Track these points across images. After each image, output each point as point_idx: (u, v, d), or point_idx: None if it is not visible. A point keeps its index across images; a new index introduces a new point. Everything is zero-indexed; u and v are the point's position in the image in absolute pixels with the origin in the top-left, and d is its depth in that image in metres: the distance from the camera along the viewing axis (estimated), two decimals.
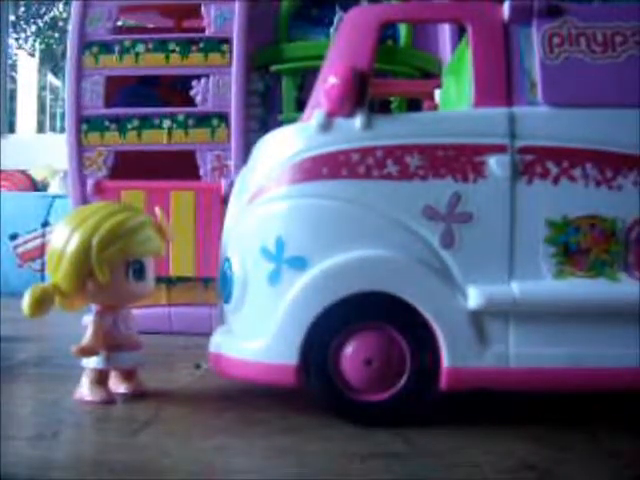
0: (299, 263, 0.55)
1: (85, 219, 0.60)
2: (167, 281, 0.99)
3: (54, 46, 3.18)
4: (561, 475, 0.45)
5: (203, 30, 1.01)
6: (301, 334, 0.54)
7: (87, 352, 0.61)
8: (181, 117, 0.99)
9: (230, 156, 0.98)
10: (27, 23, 3.15)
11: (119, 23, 1.07)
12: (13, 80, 2.75)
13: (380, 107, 1.02)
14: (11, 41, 2.73)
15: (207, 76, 0.99)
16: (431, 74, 1.03)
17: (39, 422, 0.57)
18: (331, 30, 1.03)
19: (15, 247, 1.44)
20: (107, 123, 1.00)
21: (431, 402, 0.55)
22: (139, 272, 0.62)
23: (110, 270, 0.59)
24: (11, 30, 2.63)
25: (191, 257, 0.97)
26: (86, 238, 0.58)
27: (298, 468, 0.45)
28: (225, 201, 0.86)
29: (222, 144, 0.98)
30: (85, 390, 0.61)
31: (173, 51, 1.00)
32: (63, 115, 1.13)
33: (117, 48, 1.00)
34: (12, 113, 2.60)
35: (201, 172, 0.98)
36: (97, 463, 0.46)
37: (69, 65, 1.01)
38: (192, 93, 0.99)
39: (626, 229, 0.54)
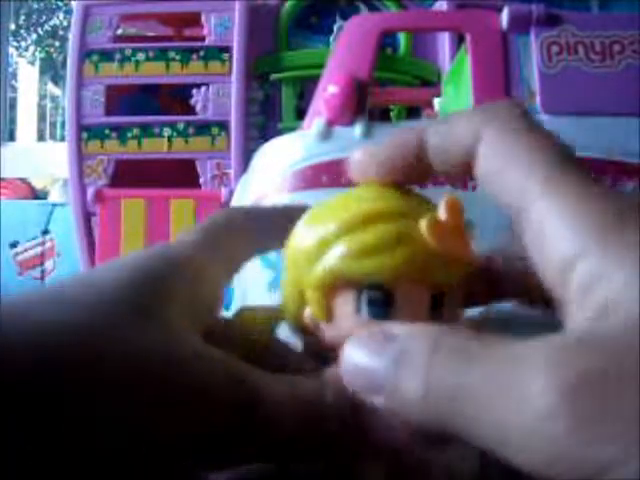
0: None
1: None
2: None
3: (54, 54, 3.19)
4: None
5: (203, 39, 1.01)
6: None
7: None
8: (181, 125, 0.99)
9: (230, 164, 0.98)
10: (27, 31, 3.16)
11: (119, 32, 1.07)
12: (13, 88, 2.76)
13: (380, 115, 1.02)
14: (11, 49, 2.74)
15: (207, 84, 0.99)
16: (430, 82, 1.03)
17: None
18: (331, 39, 1.03)
19: (15, 255, 1.44)
20: (107, 131, 1.00)
21: None
22: None
23: None
24: (11, 38, 2.64)
25: None
26: None
27: (298, 469, 0.45)
28: None
29: (222, 152, 0.98)
30: None
31: (173, 59, 1.00)
32: (63, 123, 1.13)
33: (117, 56, 1.01)
34: (12, 121, 2.60)
35: (201, 180, 0.98)
36: None
37: (69, 73, 1.01)
38: (192, 101, 0.99)
39: None
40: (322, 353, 0.27)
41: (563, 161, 0.20)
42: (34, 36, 3.17)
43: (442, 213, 0.24)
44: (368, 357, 0.20)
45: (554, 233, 0.19)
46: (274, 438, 0.21)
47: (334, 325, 0.25)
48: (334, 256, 0.24)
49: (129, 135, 1.00)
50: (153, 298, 0.21)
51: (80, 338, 0.18)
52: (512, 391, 0.17)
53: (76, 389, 0.17)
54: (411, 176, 0.24)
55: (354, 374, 0.20)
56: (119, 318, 0.19)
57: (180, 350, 0.20)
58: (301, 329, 0.27)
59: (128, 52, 1.01)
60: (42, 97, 2.98)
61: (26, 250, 1.43)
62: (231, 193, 0.82)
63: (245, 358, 0.22)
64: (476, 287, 0.25)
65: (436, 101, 0.83)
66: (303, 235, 0.25)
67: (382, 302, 0.24)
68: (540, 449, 0.16)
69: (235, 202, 0.65)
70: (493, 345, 0.18)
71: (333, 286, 0.24)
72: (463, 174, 0.23)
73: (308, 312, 0.25)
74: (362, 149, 0.25)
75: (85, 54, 1.01)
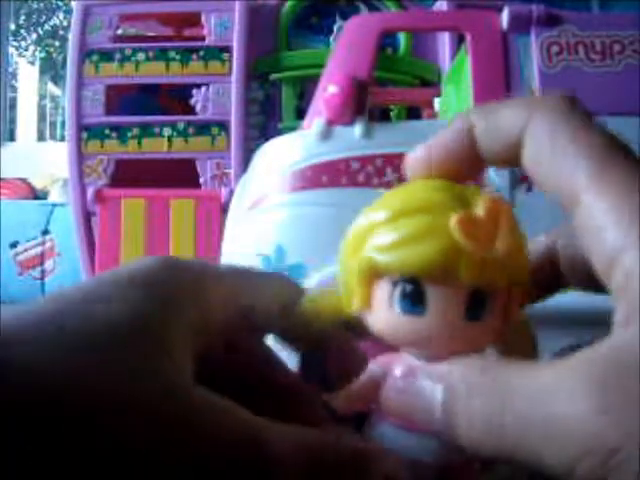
0: (299, 270, 0.55)
1: None
2: None
3: (54, 54, 3.19)
4: None
5: (203, 39, 1.01)
6: None
7: None
8: (181, 125, 0.99)
9: (230, 164, 0.98)
10: (27, 31, 3.16)
11: (119, 32, 1.07)
12: (13, 88, 2.76)
13: (380, 115, 1.02)
14: (11, 49, 2.74)
15: (207, 84, 0.99)
16: (430, 82, 1.03)
17: None
18: (331, 39, 1.03)
19: (15, 255, 1.44)
20: (107, 131, 1.00)
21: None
22: None
23: None
24: (11, 38, 2.64)
25: None
26: None
27: None
28: (225, 209, 0.86)
29: (222, 152, 0.98)
30: None
31: (173, 59, 1.00)
32: (63, 123, 1.13)
33: (117, 56, 1.01)
34: (12, 121, 2.60)
35: (201, 180, 0.98)
36: None
37: (69, 73, 1.01)
38: (192, 101, 0.99)
39: None
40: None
41: (609, 153, 0.20)
42: (34, 36, 3.17)
43: (479, 209, 0.23)
44: (419, 386, 0.22)
45: (599, 228, 0.19)
46: None
47: (373, 315, 0.25)
48: (371, 245, 0.24)
49: (129, 135, 1.00)
50: (154, 341, 0.20)
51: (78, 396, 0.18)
52: (547, 423, 0.18)
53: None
54: (463, 170, 0.24)
55: (408, 401, 0.22)
56: (116, 374, 0.19)
57: (187, 404, 0.19)
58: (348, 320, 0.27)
59: (128, 52, 1.01)
60: (42, 97, 2.98)
61: (26, 250, 1.43)
62: (231, 193, 0.82)
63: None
64: (539, 278, 0.25)
65: (436, 101, 0.83)
66: (354, 224, 0.26)
67: (412, 297, 0.24)
68: (575, 444, 0.17)
69: (235, 202, 0.65)
70: (522, 380, 0.19)
71: (371, 275, 0.25)
72: (511, 164, 0.23)
73: (354, 301, 0.26)
74: (415, 149, 0.25)
75: (85, 54, 1.01)
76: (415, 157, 0.25)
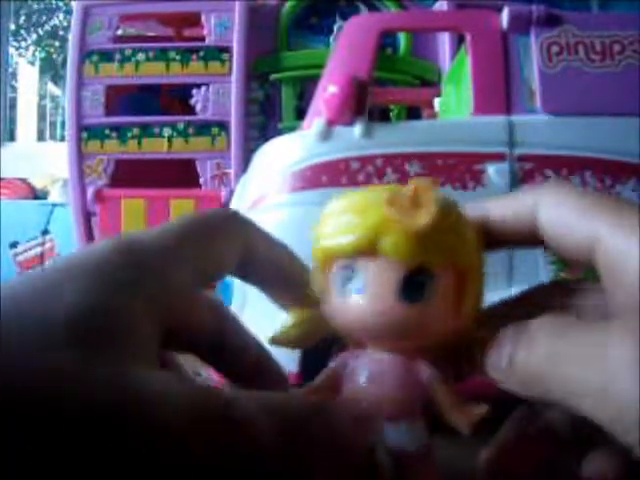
0: None
1: None
2: None
3: (54, 55, 3.19)
4: None
5: (203, 39, 1.01)
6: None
7: None
8: (181, 125, 0.99)
9: (230, 164, 0.98)
10: (27, 32, 3.16)
11: (119, 32, 1.07)
12: (13, 88, 2.76)
13: (380, 115, 1.02)
14: (11, 50, 2.74)
15: (207, 84, 0.99)
16: (430, 82, 1.03)
17: None
18: (331, 39, 1.03)
19: (15, 255, 1.44)
20: (107, 131, 1.00)
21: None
22: None
23: None
24: (11, 39, 2.64)
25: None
26: None
27: None
28: None
29: (222, 152, 0.98)
30: None
31: (173, 60, 1.00)
32: (63, 123, 1.13)
33: (117, 57, 1.01)
34: (12, 121, 2.60)
35: (201, 180, 0.98)
36: None
37: (69, 73, 1.01)
38: (192, 101, 0.99)
39: None
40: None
41: (622, 207, 0.23)
42: (34, 36, 3.17)
43: (407, 189, 0.24)
44: (502, 343, 0.24)
45: (621, 268, 0.22)
46: (257, 453, 0.21)
47: (328, 304, 0.26)
48: (319, 235, 0.26)
49: (129, 135, 1.00)
50: (106, 328, 0.20)
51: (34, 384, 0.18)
52: (594, 359, 0.21)
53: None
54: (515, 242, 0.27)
55: (491, 359, 0.25)
56: (68, 364, 0.19)
57: (139, 390, 0.19)
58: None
59: (128, 52, 1.01)
60: (42, 97, 2.98)
61: (26, 250, 1.43)
62: (231, 193, 0.82)
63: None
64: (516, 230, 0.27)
65: (436, 101, 0.83)
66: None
67: (349, 279, 0.25)
68: (613, 402, 0.20)
69: (235, 202, 0.65)
70: (582, 325, 0.22)
71: (323, 264, 0.26)
72: (527, 241, 0.26)
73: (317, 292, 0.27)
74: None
75: (85, 54, 1.01)
76: None
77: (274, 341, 0.30)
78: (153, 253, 0.24)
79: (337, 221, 0.26)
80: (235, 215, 0.29)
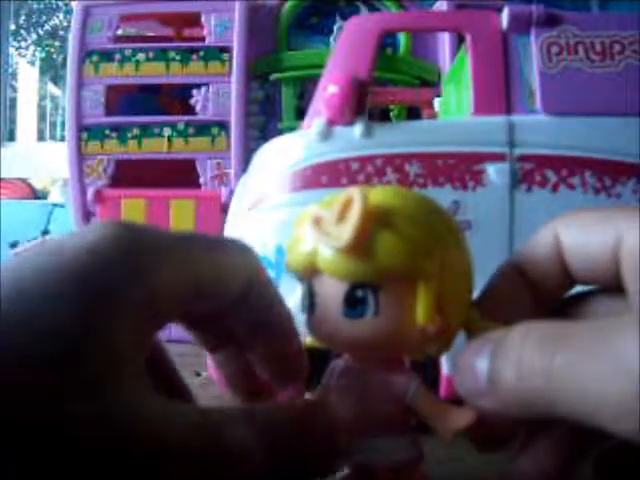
0: None
1: None
2: None
3: (54, 55, 3.19)
4: None
5: (203, 39, 1.01)
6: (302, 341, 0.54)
7: None
8: (181, 126, 0.99)
9: (230, 164, 0.98)
10: (27, 32, 3.16)
11: (119, 32, 1.07)
12: (13, 89, 2.76)
13: (380, 115, 1.02)
14: (11, 50, 2.74)
15: (207, 84, 0.99)
16: (430, 82, 1.03)
17: None
18: (331, 39, 1.03)
19: (15, 255, 1.44)
20: (107, 131, 1.00)
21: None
22: None
23: None
24: (11, 39, 2.64)
25: None
26: None
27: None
28: (225, 209, 0.86)
29: (222, 152, 0.98)
30: None
31: (173, 60, 1.00)
32: (63, 124, 1.13)
33: (117, 57, 1.01)
34: (12, 121, 2.60)
35: (201, 180, 0.98)
36: None
37: (69, 73, 1.01)
38: (192, 101, 0.99)
39: None
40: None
41: (637, 209, 0.22)
42: (34, 36, 3.17)
43: (337, 201, 0.24)
44: (471, 358, 0.22)
45: None
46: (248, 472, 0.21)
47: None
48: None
49: (129, 135, 1.00)
50: (86, 354, 0.19)
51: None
52: (604, 360, 0.18)
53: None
54: (551, 285, 0.26)
55: (461, 377, 0.22)
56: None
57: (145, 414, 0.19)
58: None
59: (128, 52, 1.01)
60: (42, 97, 2.98)
61: (26, 250, 1.42)
62: (231, 193, 0.82)
63: None
64: (552, 276, 0.26)
65: (436, 101, 0.83)
66: None
67: (305, 295, 0.25)
68: (636, 412, 0.17)
69: (235, 202, 0.65)
70: (578, 326, 0.20)
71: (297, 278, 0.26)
72: (600, 281, 0.24)
73: None
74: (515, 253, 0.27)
75: (85, 54, 1.01)
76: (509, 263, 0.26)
77: None
78: (145, 244, 0.23)
79: (293, 235, 0.25)
80: (251, 251, 0.28)
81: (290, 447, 0.22)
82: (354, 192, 0.23)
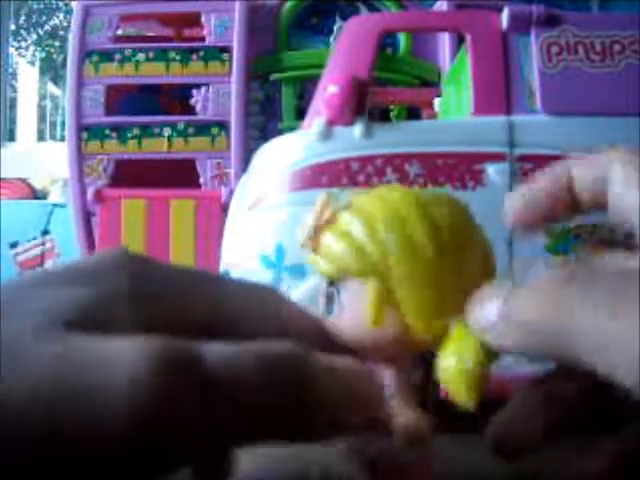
0: (299, 271, 0.55)
1: None
2: None
3: (54, 55, 3.19)
4: None
5: (203, 39, 1.01)
6: None
7: None
8: (181, 125, 0.99)
9: (230, 164, 0.98)
10: (28, 32, 3.16)
11: (119, 32, 1.07)
12: (13, 88, 2.76)
13: (380, 115, 1.02)
14: (12, 50, 2.74)
15: (207, 85, 0.99)
16: (430, 82, 1.03)
17: None
18: (331, 39, 1.03)
19: (15, 255, 1.44)
20: (107, 131, 1.00)
21: (430, 410, 0.55)
22: None
23: None
24: (11, 39, 2.64)
25: (191, 265, 0.96)
26: None
27: (299, 474, 0.45)
28: (225, 209, 0.86)
29: (222, 152, 0.98)
30: None
31: (173, 60, 1.00)
32: (63, 123, 1.13)
33: (117, 57, 1.01)
34: (12, 121, 2.60)
35: (201, 180, 0.98)
36: None
37: (69, 73, 1.01)
38: (192, 101, 0.99)
39: (625, 237, 0.54)
40: None
41: None
42: (34, 36, 3.17)
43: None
44: (489, 292, 0.22)
45: None
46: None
47: None
48: None
49: (129, 135, 1.00)
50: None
51: None
52: (626, 318, 0.17)
53: None
54: (561, 214, 0.26)
55: (475, 310, 0.22)
56: None
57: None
58: None
59: (128, 52, 1.01)
60: (42, 97, 2.98)
61: (26, 250, 1.43)
62: (231, 193, 0.82)
63: None
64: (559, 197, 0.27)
65: (436, 101, 0.83)
66: None
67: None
68: None
69: (235, 202, 0.65)
70: (604, 268, 0.21)
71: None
72: (593, 208, 0.26)
73: None
74: (512, 196, 0.28)
75: (85, 54, 1.01)
76: (516, 207, 0.27)
77: None
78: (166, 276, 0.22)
79: None
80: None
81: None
82: (322, 197, 0.26)
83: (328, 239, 0.24)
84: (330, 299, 0.24)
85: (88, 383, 0.17)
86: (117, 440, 0.17)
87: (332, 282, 0.25)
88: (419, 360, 0.26)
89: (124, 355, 0.18)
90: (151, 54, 1.01)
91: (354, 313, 0.24)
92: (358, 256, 0.24)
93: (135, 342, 0.18)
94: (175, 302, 0.22)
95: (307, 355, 0.20)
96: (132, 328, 0.20)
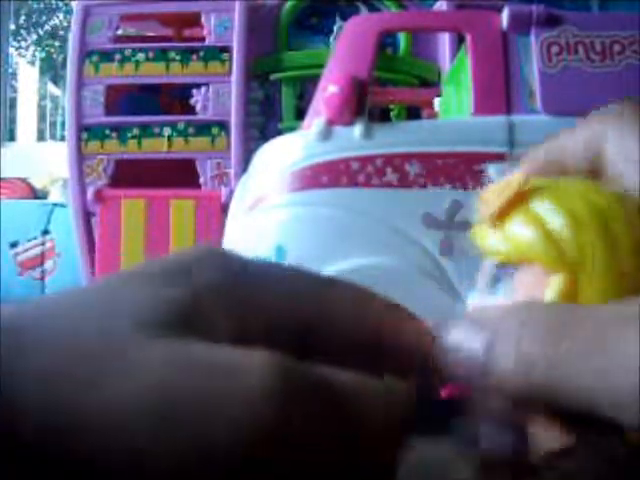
0: None
1: None
2: None
3: (54, 55, 3.19)
4: None
5: (203, 39, 1.01)
6: None
7: None
8: (181, 125, 0.99)
9: (230, 164, 0.98)
10: (28, 32, 3.16)
11: (119, 32, 1.07)
12: (13, 88, 2.76)
13: (380, 115, 1.02)
14: (12, 50, 2.74)
15: (207, 84, 0.99)
16: (430, 82, 1.03)
17: None
18: (331, 39, 1.03)
19: (15, 255, 1.44)
20: (107, 131, 1.00)
21: (431, 409, 0.55)
22: None
23: None
24: (12, 39, 2.64)
25: None
26: None
27: None
28: (225, 209, 0.86)
29: (222, 152, 0.98)
30: None
31: (173, 60, 1.00)
32: (63, 123, 1.13)
33: (117, 57, 1.01)
34: (12, 121, 2.61)
35: (201, 180, 0.98)
36: None
37: (69, 73, 1.01)
38: (192, 101, 0.99)
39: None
40: None
41: None
42: (34, 36, 3.17)
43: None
44: (464, 341, 0.21)
45: None
46: None
47: None
48: None
49: (129, 135, 1.00)
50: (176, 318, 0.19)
51: None
52: (606, 356, 0.17)
53: None
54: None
55: (455, 357, 0.21)
56: None
57: None
58: None
59: (128, 52, 1.01)
60: (42, 97, 2.98)
61: (26, 250, 1.43)
62: (231, 193, 0.82)
63: None
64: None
65: (436, 101, 0.83)
66: None
67: None
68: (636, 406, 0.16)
69: (235, 202, 0.65)
70: (580, 312, 0.19)
71: None
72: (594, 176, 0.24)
73: None
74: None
75: (85, 54, 1.01)
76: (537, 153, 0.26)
77: None
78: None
79: None
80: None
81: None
82: (516, 176, 0.24)
83: (516, 221, 0.23)
84: (497, 280, 0.24)
85: (206, 393, 0.16)
86: (229, 462, 0.16)
87: (504, 263, 0.24)
88: None
89: (249, 369, 0.16)
90: (151, 54, 1.01)
91: (528, 299, 0.24)
92: (550, 246, 0.23)
93: (259, 357, 0.17)
94: (272, 305, 0.21)
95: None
96: (230, 333, 0.19)
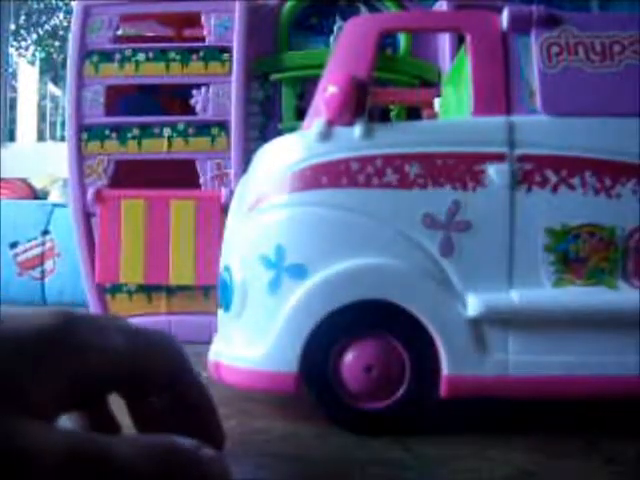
0: (299, 271, 0.55)
1: None
2: (167, 290, 0.99)
3: (54, 55, 3.19)
4: None
5: (203, 39, 1.01)
6: (301, 342, 0.54)
7: None
8: (181, 126, 0.99)
9: (230, 164, 0.98)
10: (27, 32, 3.16)
11: (119, 32, 1.07)
12: (13, 89, 2.76)
13: (380, 115, 1.02)
14: (11, 50, 2.74)
15: (207, 85, 0.99)
16: (430, 82, 1.03)
17: None
18: (331, 39, 1.03)
19: (15, 255, 1.44)
20: (107, 132, 1.00)
21: (430, 410, 0.55)
22: None
23: None
24: (11, 39, 2.64)
25: (191, 265, 0.97)
26: None
27: (298, 476, 0.45)
28: (225, 209, 0.86)
29: (222, 153, 0.98)
30: None
31: (173, 60, 1.00)
32: (63, 124, 1.14)
33: (117, 57, 1.01)
34: (12, 121, 2.60)
35: (201, 181, 0.99)
36: None
37: (69, 74, 1.01)
38: (192, 101, 0.99)
39: (625, 237, 0.54)
40: None
41: None
42: (34, 36, 3.17)
43: None
44: None
45: None
46: None
47: None
48: None
49: (129, 135, 1.00)
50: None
51: None
52: None
53: None
54: None
55: None
56: None
57: None
58: None
59: (128, 52, 1.01)
60: (42, 97, 2.98)
61: (26, 250, 1.43)
62: (231, 193, 0.82)
63: None
64: None
65: (436, 101, 0.83)
66: None
67: None
68: None
69: (235, 202, 0.65)
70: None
71: None
72: None
73: None
74: None
75: (85, 54, 1.01)
76: None
77: None
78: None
79: None
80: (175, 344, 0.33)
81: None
82: None
83: None
84: None
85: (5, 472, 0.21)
86: None
87: None
88: None
89: (44, 448, 0.21)
90: (151, 54, 1.01)
91: None
92: None
93: (52, 435, 0.22)
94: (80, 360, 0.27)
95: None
96: (43, 397, 0.23)
